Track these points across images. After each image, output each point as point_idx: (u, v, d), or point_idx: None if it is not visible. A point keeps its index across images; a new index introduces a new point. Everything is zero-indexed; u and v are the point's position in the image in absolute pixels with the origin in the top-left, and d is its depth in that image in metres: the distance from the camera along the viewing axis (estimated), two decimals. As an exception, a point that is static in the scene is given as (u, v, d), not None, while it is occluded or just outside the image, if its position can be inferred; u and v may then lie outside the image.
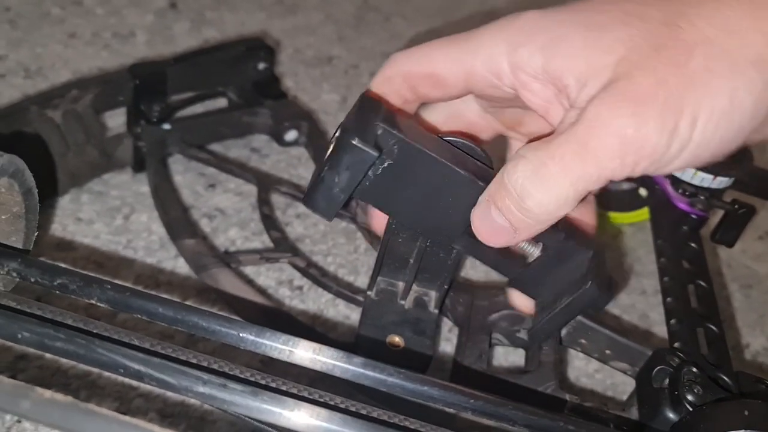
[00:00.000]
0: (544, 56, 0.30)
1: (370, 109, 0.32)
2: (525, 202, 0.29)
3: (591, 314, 0.39)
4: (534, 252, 0.34)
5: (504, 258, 0.35)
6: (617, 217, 0.61)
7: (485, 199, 0.31)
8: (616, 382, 0.47)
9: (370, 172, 0.31)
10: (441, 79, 0.33)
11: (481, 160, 0.33)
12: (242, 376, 0.26)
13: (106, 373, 0.40)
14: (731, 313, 0.57)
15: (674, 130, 0.28)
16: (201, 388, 0.24)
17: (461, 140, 0.33)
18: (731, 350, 0.53)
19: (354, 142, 0.29)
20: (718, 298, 0.43)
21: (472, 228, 0.32)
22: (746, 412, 0.28)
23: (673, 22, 0.28)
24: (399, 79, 0.33)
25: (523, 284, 0.37)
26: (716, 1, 0.29)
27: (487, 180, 0.31)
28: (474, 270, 0.54)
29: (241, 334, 0.26)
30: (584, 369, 0.48)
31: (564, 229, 0.33)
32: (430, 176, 0.32)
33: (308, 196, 0.32)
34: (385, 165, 0.31)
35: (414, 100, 0.34)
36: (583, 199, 0.29)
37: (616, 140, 0.27)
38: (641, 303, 0.55)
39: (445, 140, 0.33)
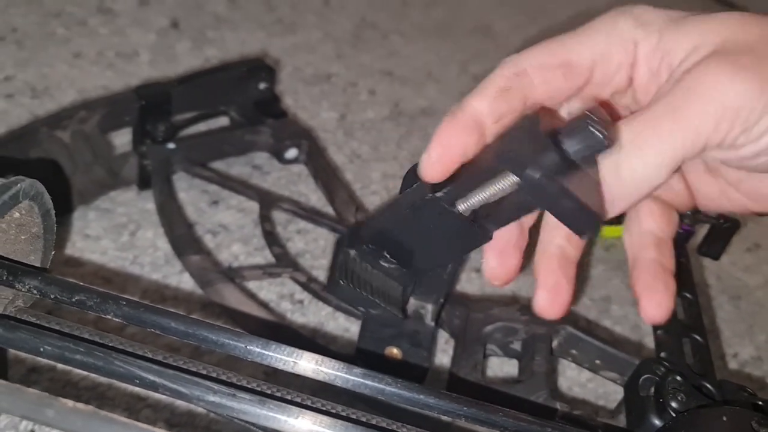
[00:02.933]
0: (659, 34, 0.31)
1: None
2: (621, 171, 0.29)
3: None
4: None
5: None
6: (610, 230, 0.62)
7: None
8: (607, 391, 0.49)
9: None
10: (573, 68, 0.32)
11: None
12: (249, 386, 0.27)
13: (116, 385, 0.41)
14: (720, 323, 0.58)
15: None
16: (211, 398, 0.26)
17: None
18: (720, 360, 0.54)
19: None
20: (707, 309, 0.45)
21: None
22: (725, 418, 0.30)
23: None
24: (530, 73, 0.32)
25: None
26: None
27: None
28: (470, 284, 0.55)
29: (248, 347, 0.28)
30: (577, 379, 0.49)
31: None
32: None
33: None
34: None
35: (532, 98, 0.32)
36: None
37: (712, 104, 0.28)
38: (633, 314, 0.56)
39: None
